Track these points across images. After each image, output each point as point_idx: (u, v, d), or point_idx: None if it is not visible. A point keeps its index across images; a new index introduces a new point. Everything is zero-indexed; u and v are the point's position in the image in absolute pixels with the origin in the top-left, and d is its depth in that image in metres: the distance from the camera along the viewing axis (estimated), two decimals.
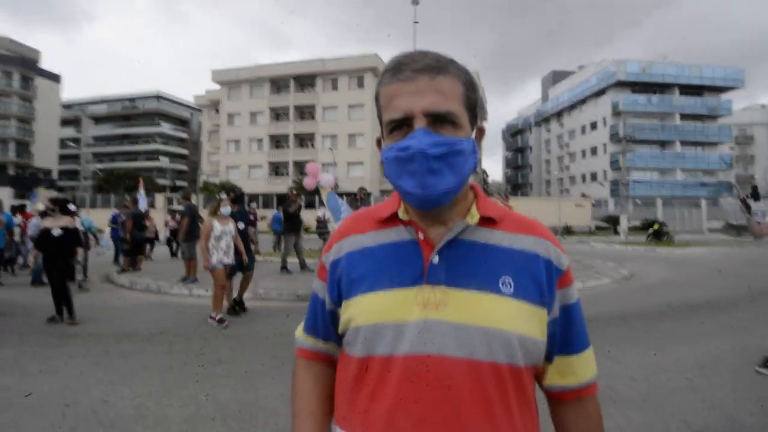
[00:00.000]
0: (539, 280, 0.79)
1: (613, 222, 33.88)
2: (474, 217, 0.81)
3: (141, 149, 68.97)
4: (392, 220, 0.85)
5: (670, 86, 47.86)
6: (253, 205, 13.63)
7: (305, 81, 48.20)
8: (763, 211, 4.36)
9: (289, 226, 9.84)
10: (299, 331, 0.98)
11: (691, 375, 4.02)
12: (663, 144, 47.67)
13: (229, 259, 5.93)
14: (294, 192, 10.31)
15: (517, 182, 69.05)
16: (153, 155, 68.39)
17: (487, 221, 0.82)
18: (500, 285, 0.77)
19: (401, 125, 0.76)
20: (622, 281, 9.96)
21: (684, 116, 47.61)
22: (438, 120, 0.75)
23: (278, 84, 49.04)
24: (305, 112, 48.64)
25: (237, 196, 6.65)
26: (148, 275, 9.73)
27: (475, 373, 0.73)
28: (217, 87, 51.17)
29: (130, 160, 67.66)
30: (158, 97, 71.55)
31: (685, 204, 40.81)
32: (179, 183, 64.57)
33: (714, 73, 47.88)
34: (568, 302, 0.83)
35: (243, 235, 6.46)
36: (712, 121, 48.95)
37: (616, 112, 45.81)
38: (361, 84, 45.65)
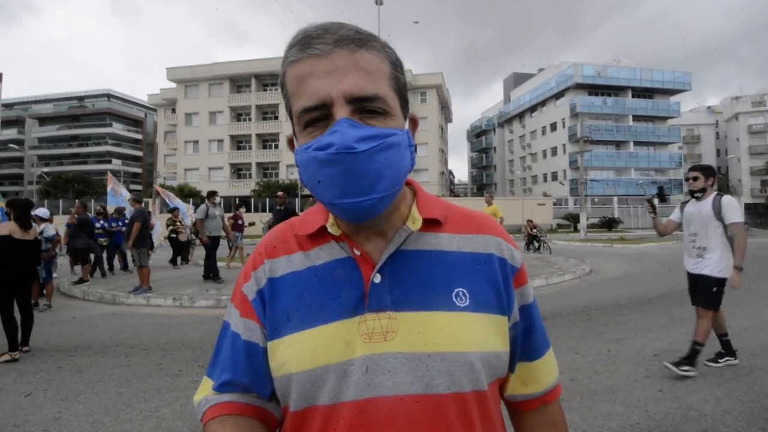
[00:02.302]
0: (496, 284, 0.70)
1: (573, 220, 35.22)
2: (416, 221, 0.69)
3: (91, 151, 65.82)
4: (320, 235, 0.71)
5: (623, 89, 50.13)
6: (242, 209, 13.00)
7: (267, 80, 47.16)
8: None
9: None
10: (205, 391, 0.74)
11: (650, 366, 4.19)
12: (618, 144, 49.90)
13: None
14: (281, 193, 10.09)
15: (483, 182, 70.46)
16: (104, 157, 65.31)
17: (430, 223, 0.71)
18: (454, 298, 0.66)
19: (318, 118, 0.61)
20: (584, 277, 10.34)
21: (636, 117, 50.01)
22: (364, 107, 0.60)
23: (238, 83, 47.85)
24: (268, 112, 47.66)
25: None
26: (102, 285, 9.23)
27: (436, 411, 0.62)
28: (172, 85, 49.16)
29: (79, 162, 64.43)
30: (109, 96, 68.43)
31: (639, 201, 43.01)
32: (133, 186, 61.79)
33: (663, 77, 50.55)
34: (525, 302, 0.75)
35: None
36: (662, 122, 51.69)
37: (574, 114, 47.58)
38: None
